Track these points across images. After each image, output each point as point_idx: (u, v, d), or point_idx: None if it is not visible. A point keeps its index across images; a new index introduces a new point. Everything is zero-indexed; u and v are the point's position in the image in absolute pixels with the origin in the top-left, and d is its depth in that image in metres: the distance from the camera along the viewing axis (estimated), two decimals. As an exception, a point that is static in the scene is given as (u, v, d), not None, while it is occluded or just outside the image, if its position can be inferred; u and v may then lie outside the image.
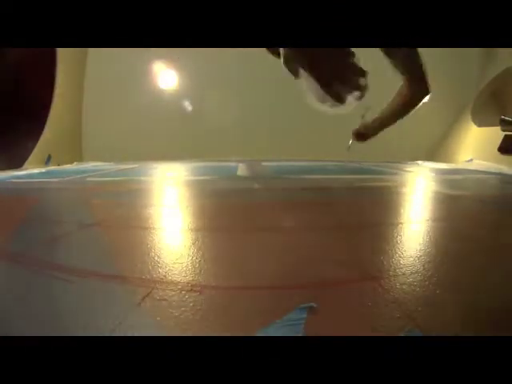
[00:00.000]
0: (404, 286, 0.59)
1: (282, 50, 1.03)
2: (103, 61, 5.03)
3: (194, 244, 0.86)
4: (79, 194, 2.04)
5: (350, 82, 0.99)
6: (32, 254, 0.82)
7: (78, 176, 2.98)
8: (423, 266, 0.70)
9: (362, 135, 2.14)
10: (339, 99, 1.02)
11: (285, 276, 0.66)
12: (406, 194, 1.85)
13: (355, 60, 0.92)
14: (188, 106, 5.45)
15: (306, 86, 1.19)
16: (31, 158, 4.07)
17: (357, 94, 1.09)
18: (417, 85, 1.73)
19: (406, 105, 1.90)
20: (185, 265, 0.71)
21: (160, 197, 1.88)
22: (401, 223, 1.11)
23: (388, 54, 1.08)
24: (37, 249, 0.87)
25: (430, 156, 4.79)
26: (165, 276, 0.65)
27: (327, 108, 1.20)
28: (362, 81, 0.98)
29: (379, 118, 2.13)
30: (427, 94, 1.82)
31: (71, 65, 4.79)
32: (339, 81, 0.98)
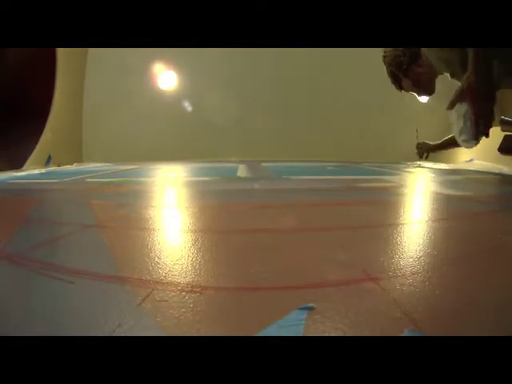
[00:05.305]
0: (404, 287, 0.59)
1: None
2: (103, 61, 5.03)
3: (194, 245, 0.86)
4: (79, 195, 2.04)
5: (487, 126, 1.11)
6: (32, 255, 0.82)
7: (78, 177, 2.98)
8: (423, 266, 0.70)
9: (423, 148, 2.37)
10: (477, 137, 1.13)
11: (285, 276, 0.66)
12: (405, 194, 1.85)
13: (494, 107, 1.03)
14: (188, 106, 5.45)
15: (455, 119, 1.30)
16: (31, 158, 4.07)
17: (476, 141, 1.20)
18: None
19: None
20: (185, 265, 0.71)
21: (160, 198, 1.88)
22: (401, 224, 1.11)
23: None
24: (37, 250, 0.87)
25: (430, 156, 4.77)
26: (165, 277, 0.65)
27: (462, 141, 1.31)
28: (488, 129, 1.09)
29: (441, 142, 2.43)
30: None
31: (71, 65, 4.79)
32: (484, 122, 1.10)
